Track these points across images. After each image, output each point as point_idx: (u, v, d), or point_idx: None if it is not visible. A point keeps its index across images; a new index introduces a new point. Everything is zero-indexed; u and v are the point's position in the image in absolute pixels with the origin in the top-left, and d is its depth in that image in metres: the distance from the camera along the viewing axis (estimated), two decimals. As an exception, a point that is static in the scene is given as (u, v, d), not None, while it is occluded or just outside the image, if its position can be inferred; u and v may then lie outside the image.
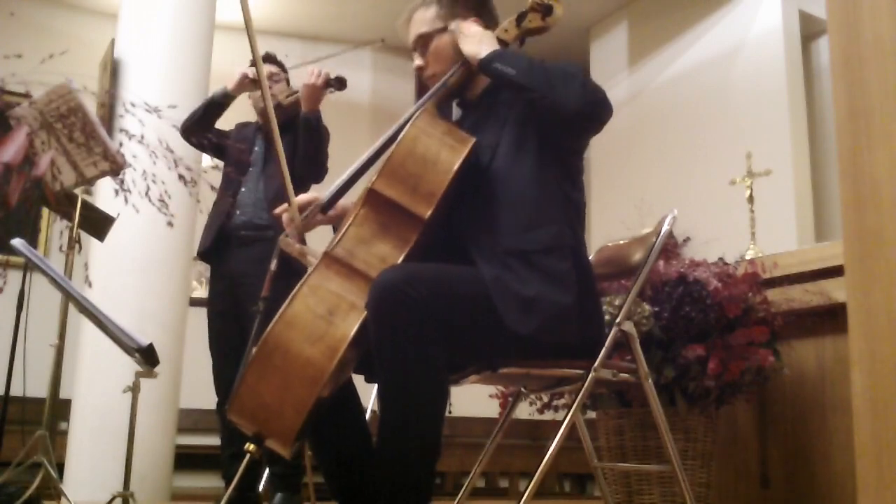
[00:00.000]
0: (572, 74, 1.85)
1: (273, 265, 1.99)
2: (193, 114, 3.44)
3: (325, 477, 1.92)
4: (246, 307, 3.23)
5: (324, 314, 1.67)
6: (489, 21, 2.06)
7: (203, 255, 3.46)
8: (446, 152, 1.82)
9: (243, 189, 3.40)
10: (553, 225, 1.88)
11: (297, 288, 1.71)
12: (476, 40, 1.95)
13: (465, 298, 1.75)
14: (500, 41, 2.00)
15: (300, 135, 3.27)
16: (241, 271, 3.32)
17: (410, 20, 2.09)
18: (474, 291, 1.77)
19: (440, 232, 1.92)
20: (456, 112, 2.14)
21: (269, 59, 3.59)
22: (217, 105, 3.41)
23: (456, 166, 1.81)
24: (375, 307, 1.65)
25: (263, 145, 3.48)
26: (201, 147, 3.52)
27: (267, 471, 3.28)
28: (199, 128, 3.43)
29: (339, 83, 3.28)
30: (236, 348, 3.23)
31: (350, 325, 1.66)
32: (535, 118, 1.91)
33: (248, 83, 3.36)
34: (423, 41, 2.06)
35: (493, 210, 1.88)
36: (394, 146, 1.82)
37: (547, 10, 1.98)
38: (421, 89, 1.96)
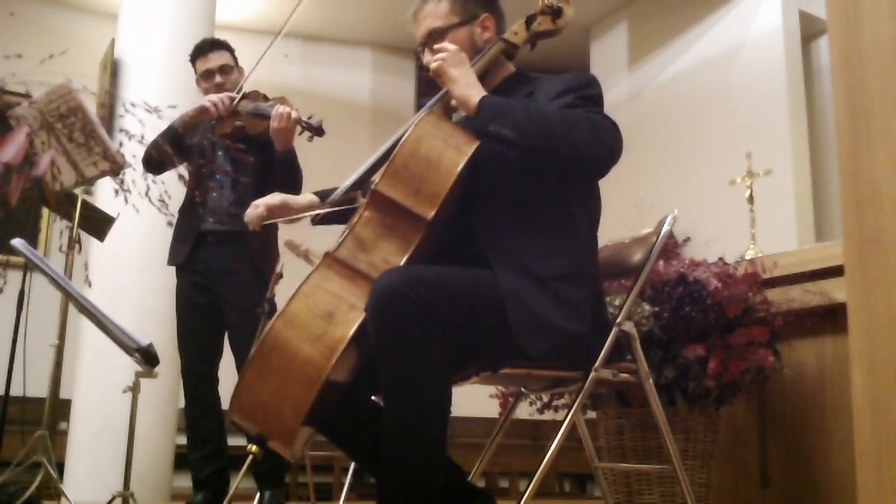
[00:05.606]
0: (575, 118, 1.77)
1: (279, 267, 1.98)
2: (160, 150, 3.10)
3: (356, 461, 1.88)
4: (224, 304, 3.26)
5: (323, 314, 1.66)
6: (498, 19, 2.02)
7: (181, 263, 3.35)
8: (450, 153, 1.79)
9: (213, 195, 3.26)
10: (573, 253, 1.85)
11: (297, 288, 1.71)
12: (464, 83, 1.83)
13: (467, 299, 1.73)
14: (510, 44, 1.96)
15: (279, 172, 3.12)
16: (220, 269, 3.28)
17: (420, 15, 2.01)
18: (477, 292, 1.74)
19: (448, 234, 1.89)
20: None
21: (218, 45, 3.44)
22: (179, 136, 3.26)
23: (459, 167, 1.78)
24: (375, 310, 1.63)
25: (227, 152, 3.26)
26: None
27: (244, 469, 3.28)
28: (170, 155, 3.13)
29: (317, 131, 3.02)
30: (208, 343, 3.28)
31: (349, 326, 1.66)
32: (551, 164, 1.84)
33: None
34: (437, 36, 1.97)
35: (513, 222, 1.84)
36: (398, 147, 1.80)
37: (557, 13, 1.94)
38: (423, 88, 1.93)
